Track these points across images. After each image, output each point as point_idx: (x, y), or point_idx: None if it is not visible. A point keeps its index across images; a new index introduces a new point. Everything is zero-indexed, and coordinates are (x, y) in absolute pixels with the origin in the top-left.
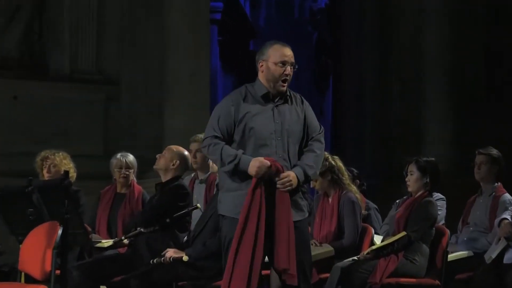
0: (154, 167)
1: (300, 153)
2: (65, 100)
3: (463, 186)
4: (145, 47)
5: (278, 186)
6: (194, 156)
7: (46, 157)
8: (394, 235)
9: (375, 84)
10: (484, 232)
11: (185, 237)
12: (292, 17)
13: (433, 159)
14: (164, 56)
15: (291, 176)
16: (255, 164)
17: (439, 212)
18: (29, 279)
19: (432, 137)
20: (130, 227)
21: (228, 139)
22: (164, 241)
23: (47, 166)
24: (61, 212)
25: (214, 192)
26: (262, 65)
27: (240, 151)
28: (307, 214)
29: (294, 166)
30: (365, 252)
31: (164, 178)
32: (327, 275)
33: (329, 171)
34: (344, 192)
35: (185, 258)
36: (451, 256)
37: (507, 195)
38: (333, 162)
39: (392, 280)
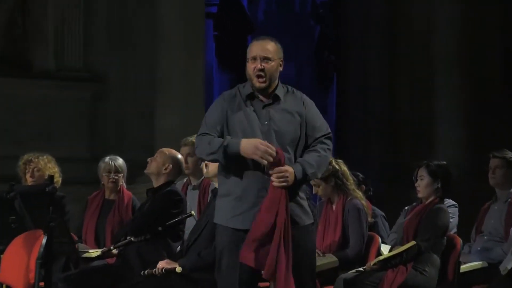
0: (145, 171)
1: (299, 157)
2: (49, 98)
3: (476, 191)
4: (136, 42)
5: (272, 179)
6: (186, 161)
7: (29, 160)
8: (402, 244)
9: (382, 82)
10: (499, 241)
11: (179, 247)
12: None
13: (444, 162)
14: (156, 51)
15: (289, 171)
16: (250, 142)
17: (451, 220)
18: None
19: (444, 139)
20: (120, 236)
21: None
22: (156, 251)
23: (31, 170)
24: (45, 220)
25: (209, 199)
26: (246, 65)
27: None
28: (312, 219)
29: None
30: (372, 263)
31: (156, 183)
32: (331, 287)
33: (332, 176)
34: (349, 198)
35: (179, 269)
36: (464, 267)
37: None
38: (337, 166)
39: None
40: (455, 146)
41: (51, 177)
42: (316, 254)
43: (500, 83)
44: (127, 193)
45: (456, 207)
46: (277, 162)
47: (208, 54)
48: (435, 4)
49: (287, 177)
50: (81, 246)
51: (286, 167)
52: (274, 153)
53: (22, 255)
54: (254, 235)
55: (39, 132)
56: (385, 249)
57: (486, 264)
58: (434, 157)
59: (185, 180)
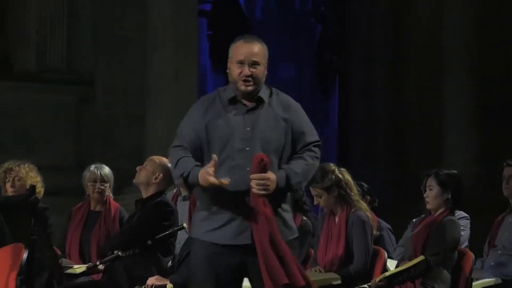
0: (134, 181)
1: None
2: (31, 102)
3: (489, 203)
4: (124, 42)
5: (251, 185)
6: None
7: (9, 168)
8: (410, 259)
9: (388, 85)
10: None
11: (170, 262)
12: (292, 8)
13: (455, 171)
14: (145, 52)
15: (270, 179)
16: (201, 175)
17: (462, 233)
18: None
19: (454, 147)
20: (106, 250)
21: (195, 149)
22: (145, 267)
23: (11, 179)
24: (27, 233)
25: None
26: (228, 66)
27: (194, 165)
28: (297, 233)
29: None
30: (377, 279)
31: (145, 193)
32: None
33: (335, 186)
34: (352, 210)
35: (170, 286)
36: (476, 284)
37: None
38: (340, 176)
39: None
40: (466, 154)
41: (33, 187)
42: (318, 271)
43: None
44: (114, 204)
45: (467, 219)
46: (261, 168)
47: (201, 55)
48: (443, 1)
49: (268, 185)
50: (64, 262)
51: (268, 174)
52: (226, 182)
53: (2, 271)
54: (260, 250)
55: (20, 138)
56: (391, 264)
57: (500, 281)
58: (444, 166)
59: (174, 191)
